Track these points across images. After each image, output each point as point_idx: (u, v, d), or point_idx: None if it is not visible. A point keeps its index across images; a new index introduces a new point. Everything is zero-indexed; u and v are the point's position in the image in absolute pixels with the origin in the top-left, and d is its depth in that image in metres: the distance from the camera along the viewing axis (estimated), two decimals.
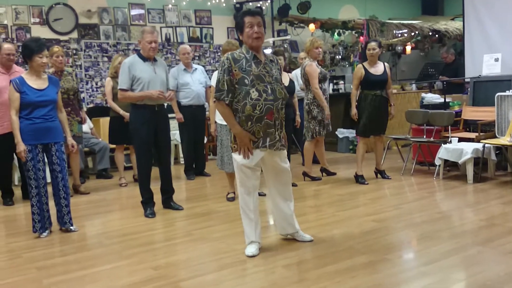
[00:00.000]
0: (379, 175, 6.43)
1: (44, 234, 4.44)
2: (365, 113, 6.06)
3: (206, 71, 9.23)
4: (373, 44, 6.08)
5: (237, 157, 3.69)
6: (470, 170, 5.92)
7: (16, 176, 6.82)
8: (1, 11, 7.88)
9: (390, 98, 6.23)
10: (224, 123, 5.24)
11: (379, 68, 6.11)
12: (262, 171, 3.89)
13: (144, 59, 4.94)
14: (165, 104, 5.29)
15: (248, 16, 3.59)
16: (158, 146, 5.08)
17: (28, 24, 8.09)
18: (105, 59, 8.64)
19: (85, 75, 8.54)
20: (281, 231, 4.04)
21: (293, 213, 3.94)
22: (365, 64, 6.15)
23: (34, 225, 4.44)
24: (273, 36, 9.91)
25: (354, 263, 3.47)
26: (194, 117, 6.80)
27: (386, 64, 6.25)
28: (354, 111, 6.12)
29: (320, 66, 6.41)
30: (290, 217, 3.93)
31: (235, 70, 3.56)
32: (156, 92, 4.83)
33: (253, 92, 3.54)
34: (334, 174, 6.72)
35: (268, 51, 9.21)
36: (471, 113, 6.89)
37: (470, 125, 6.98)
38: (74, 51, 8.43)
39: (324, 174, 6.68)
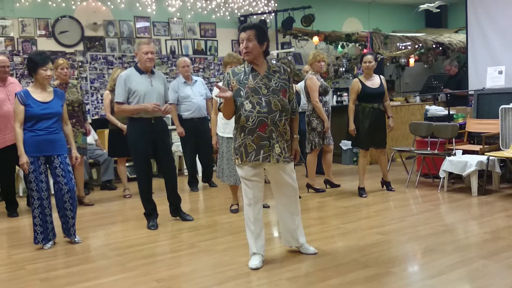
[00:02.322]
0: (384, 186, 6.42)
1: (48, 245, 4.44)
2: (363, 125, 6.05)
3: (211, 83, 9.31)
4: (369, 57, 6.07)
5: (238, 169, 3.72)
6: (474, 183, 5.90)
7: (21, 187, 6.84)
8: (8, 24, 7.96)
9: (387, 110, 6.21)
10: (226, 135, 5.28)
11: (375, 81, 6.09)
12: (269, 182, 3.90)
13: (141, 71, 4.94)
14: (169, 116, 5.27)
15: (241, 32, 3.67)
16: (159, 158, 5.08)
17: (34, 37, 8.15)
18: (111, 71, 8.67)
19: (91, 87, 8.59)
20: (285, 244, 4.04)
21: (298, 227, 3.92)
22: (361, 77, 6.15)
23: (36, 236, 4.44)
24: (277, 49, 9.96)
25: (358, 276, 3.45)
26: (196, 130, 6.77)
27: (381, 76, 6.23)
28: (352, 126, 6.08)
29: (322, 79, 6.43)
30: (294, 231, 3.92)
31: (233, 83, 3.66)
32: (151, 105, 4.81)
33: (246, 104, 3.59)
34: (338, 186, 6.71)
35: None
36: (475, 125, 6.89)
37: (474, 138, 6.96)
38: (80, 63, 8.49)
39: (328, 186, 6.67)
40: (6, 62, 5.76)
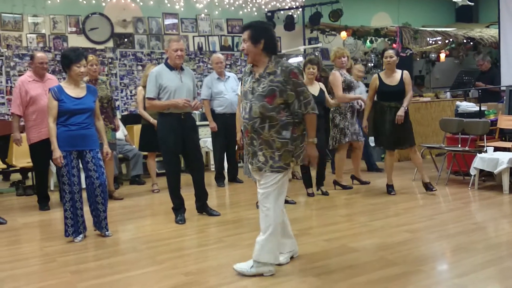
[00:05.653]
0: (426, 189, 5.95)
1: (78, 238, 4.53)
2: (383, 125, 5.86)
3: (238, 79, 9.33)
4: (390, 52, 5.86)
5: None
6: (506, 180, 5.79)
7: (52, 181, 6.98)
8: (39, 21, 8.13)
9: (404, 101, 5.78)
10: None
11: (395, 78, 5.85)
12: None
13: (171, 68, 5.00)
14: (197, 113, 5.31)
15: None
16: (187, 154, 5.13)
17: (65, 33, 8.32)
18: (140, 67, 8.79)
19: (120, 83, 8.71)
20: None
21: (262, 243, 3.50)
22: (382, 74, 5.97)
23: (67, 229, 4.52)
24: (304, 44, 9.92)
25: (386, 274, 3.42)
26: (227, 125, 6.80)
27: (405, 71, 5.95)
28: (365, 123, 6.05)
29: (348, 75, 6.37)
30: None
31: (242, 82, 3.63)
32: (182, 100, 4.88)
33: (241, 107, 3.57)
34: (367, 183, 6.65)
35: (298, 59, 9.23)
36: (507, 122, 6.74)
37: (506, 134, 6.82)
38: (110, 60, 8.62)
39: (355, 181, 6.62)
40: (45, 59, 5.91)
